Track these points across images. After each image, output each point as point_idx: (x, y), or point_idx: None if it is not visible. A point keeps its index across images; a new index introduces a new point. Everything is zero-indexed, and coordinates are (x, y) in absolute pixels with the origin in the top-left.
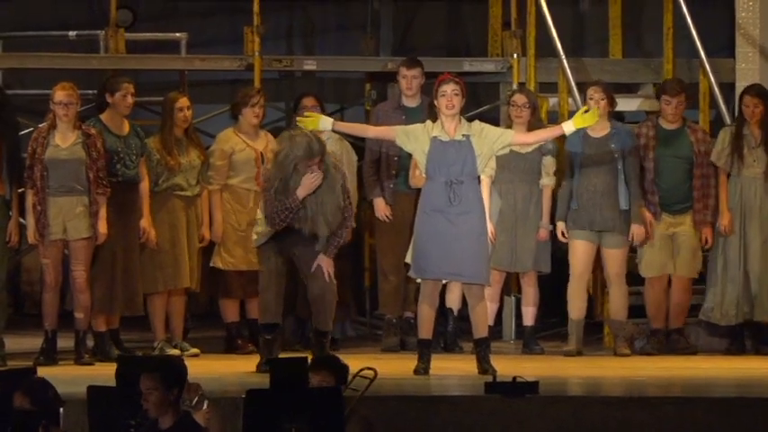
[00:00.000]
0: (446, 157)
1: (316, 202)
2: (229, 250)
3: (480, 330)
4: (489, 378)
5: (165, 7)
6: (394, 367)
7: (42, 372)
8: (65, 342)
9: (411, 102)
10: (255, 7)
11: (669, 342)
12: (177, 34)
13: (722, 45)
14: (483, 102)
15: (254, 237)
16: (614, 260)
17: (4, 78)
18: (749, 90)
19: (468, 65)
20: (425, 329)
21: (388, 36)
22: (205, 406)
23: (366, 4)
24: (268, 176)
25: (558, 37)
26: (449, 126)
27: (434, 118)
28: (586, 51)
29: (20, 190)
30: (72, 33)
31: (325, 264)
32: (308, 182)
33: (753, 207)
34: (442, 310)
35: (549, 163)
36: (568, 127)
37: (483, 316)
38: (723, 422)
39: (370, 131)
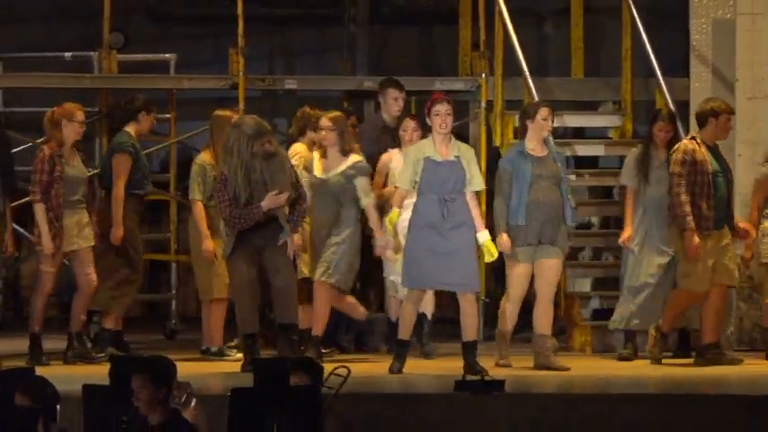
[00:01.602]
0: (439, 176)
1: (272, 183)
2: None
3: (470, 334)
4: (475, 377)
5: (155, 30)
6: (369, 367)
7: (43, 371)
8: (58, 344)
9: (394, 122)
10: (240, 30)
11: (711, 357)
12: (166, 55)
13: (677, 65)
14: (454, 119)
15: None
16: (552, 271)
17: (3, 96)
18: (662, 116)
19: (440, 84)
20: (406, 331)
21: (363, 57)
22: (193, 403)
23: (343, 28)
24: (224, 173)
25: (523, 58)
26: (441, 146)
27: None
28: (550, 71)
29: (13, 203)
30: (67, 54)
31: (291, 240)
32: (274, 198)
33: (653, 224)
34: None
35: (363, 184)
36: (482, 236)
37: (474, 320)
38: (677, 418)
39: (396, 202)
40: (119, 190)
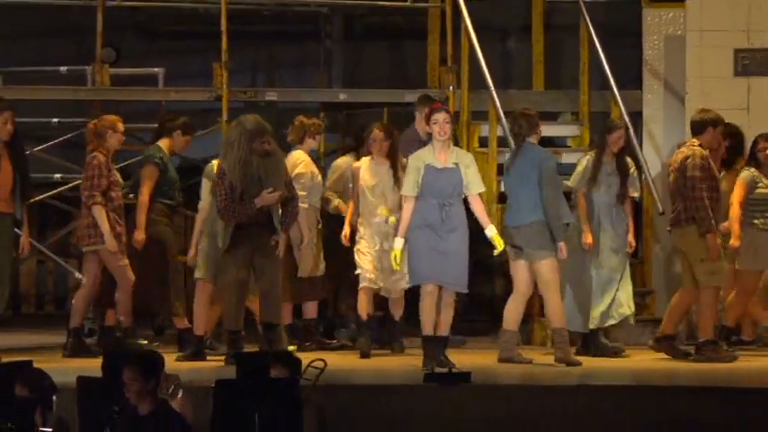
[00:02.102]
0: (439, 182)
1: (267, 180)
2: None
3: (443, 329)
4: (443, 369)
5: (144, 46)
6: (346, 360)
7: (41, 364)
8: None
9: (426, 135)
10: (224, 45)
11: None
12: (155, 69)
13: (631, 78)
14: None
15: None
16: None
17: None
18: (621, 124)
19: (410, 96)
20: (428, 326)
21: (338, 71)
22: (180, 394)
23: (319, 44)
24: (223, 167)
25: (488, 71)
26: (440, 153)
27: None
28: (513, 84)
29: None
30: (63, 69)
31: (282, 240)
32: (268, 197)
33: (608, 228)
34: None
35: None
36: (490, 231)
37: (449, 318)
38: (624, 408)
39: (405, 214)
40: (143, 197)
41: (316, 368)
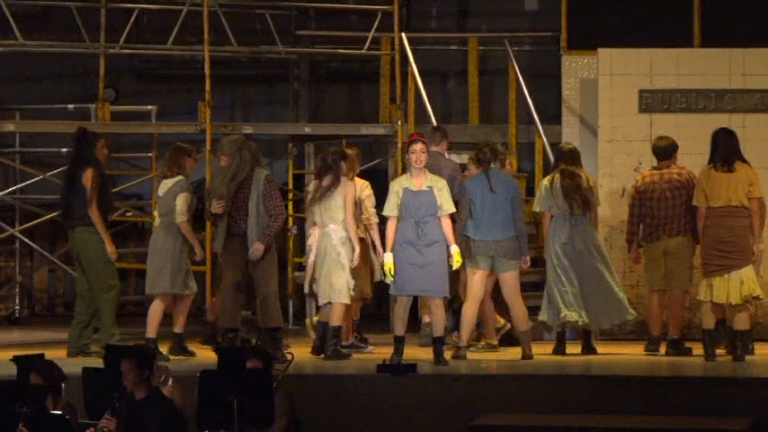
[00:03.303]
0: (415, 203)
1: (245, 207)
2: None
3: (438, 331)
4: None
5: (140, 87)
6: (309, 354)
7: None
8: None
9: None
10: (207, 86)
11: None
12: (149, 107)
13: (552, 115)
14: (376, 156)
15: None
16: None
17: (20, 139)
18: None
19: (365, 129)
20: (399, 328)
21: (305, 108)
22: (170, 383)
23: (288, 85)
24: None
25: (431, 108)
26: (416, 179)
27: None
28: (452, 119)
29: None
30: (70, 106)
31: (255, 248)
32: (214, 205)
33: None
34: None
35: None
36: (453, 249)
37: (441, 320)
38: (557, 394)
39: (389, 233)
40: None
41: (284, 361)
